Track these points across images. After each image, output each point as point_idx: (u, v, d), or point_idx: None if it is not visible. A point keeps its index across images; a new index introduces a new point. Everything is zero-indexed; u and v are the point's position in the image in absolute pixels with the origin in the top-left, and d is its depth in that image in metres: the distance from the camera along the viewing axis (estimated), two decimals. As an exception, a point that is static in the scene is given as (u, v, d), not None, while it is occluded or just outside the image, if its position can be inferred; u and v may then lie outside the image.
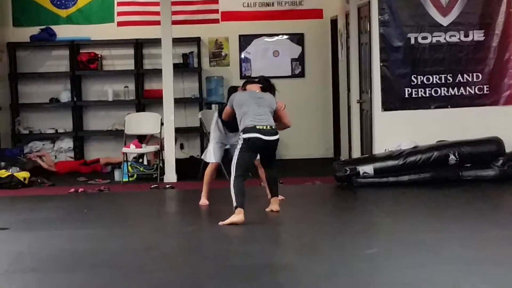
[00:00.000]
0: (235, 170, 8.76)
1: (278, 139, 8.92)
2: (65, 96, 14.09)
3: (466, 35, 11.40)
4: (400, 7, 11.31)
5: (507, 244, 7.34)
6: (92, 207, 9.99)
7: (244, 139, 8.81)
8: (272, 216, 8.95)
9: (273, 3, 14.29)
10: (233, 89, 9.84)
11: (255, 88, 9.27)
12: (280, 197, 9.40)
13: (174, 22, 12.28)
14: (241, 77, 14.28)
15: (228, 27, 14.27)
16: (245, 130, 8.82)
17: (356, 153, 12.27)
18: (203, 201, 9.77)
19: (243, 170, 8.82)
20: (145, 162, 12.55)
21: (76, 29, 14.18)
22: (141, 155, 12.66)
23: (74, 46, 14.05)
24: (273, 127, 8.89)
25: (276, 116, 9.14)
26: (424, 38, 11.34)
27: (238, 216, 8.52)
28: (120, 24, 14.23)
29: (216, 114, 9.86)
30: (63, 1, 14.21)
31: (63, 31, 14.14)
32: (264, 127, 8.82)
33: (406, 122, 11.36)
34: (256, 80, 9.59)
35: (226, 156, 10.13)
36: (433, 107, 11.41)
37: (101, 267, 6.99)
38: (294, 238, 8.05)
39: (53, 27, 14.11)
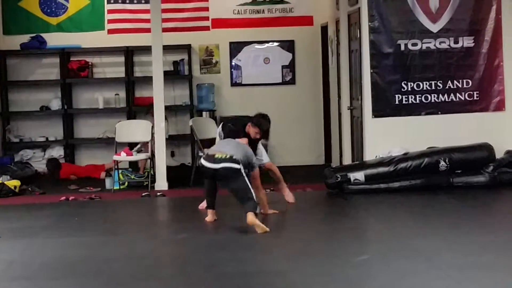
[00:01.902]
0: None
1: (230, 168, 8.63)
2: (55, 104, 14.07)
3: (456, 42, 11.43)
4: (390, 14, 11.33)
5: (499, 250, 7.36)
6: (83, 215, 9.96)
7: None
8: (264, 223, 8.93)
9: (263, 10, 14.30)
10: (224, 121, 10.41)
11: (243, 141, 9.42)
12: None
13: (165, 30, 12.27)
14: (232, 84, 14.31)
15: (218, 34, 14.27)
16: (203, 157, 9.08)
17: (347, 160, 12.28)
18: (203, 204, 9.67)
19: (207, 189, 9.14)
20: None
21: (66, 37, 14.16)
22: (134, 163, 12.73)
23: (64, 54, 14.05)
24: (233, 157, 8.68)
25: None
26: (414, 44, 11.37)
27: (207, 217, 9.15)
28: (110, 31, 14.22)
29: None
30: (53, 9, 14.19)
31: (54, 39, 14.11)
32: (220, 156, 8.74)
33: (397, 129, 11.37)
34: (254, 120, 9.62)
35: None
36: (424, 114, 11.43)
37: (92, 275, 6.98)
38: (286, 245, 8.05)
39: (43, 35, 14.09)
